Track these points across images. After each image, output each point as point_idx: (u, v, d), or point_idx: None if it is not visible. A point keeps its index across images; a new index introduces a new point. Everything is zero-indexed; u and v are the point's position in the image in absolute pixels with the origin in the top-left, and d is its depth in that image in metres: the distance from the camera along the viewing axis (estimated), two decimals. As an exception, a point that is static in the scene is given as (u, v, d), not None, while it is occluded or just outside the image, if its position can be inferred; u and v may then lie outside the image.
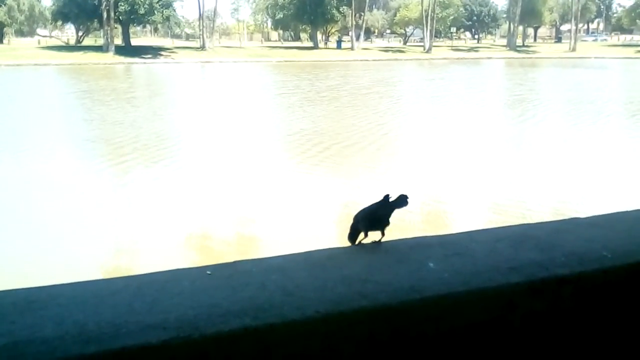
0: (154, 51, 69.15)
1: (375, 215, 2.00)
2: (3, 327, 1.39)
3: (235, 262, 1.85)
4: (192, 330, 1.40)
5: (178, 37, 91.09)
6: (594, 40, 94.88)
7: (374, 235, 1.99)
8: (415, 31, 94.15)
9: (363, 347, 1.56)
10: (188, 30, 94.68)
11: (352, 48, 77.28)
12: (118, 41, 70.74)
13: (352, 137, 19.60)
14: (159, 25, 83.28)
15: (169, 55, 68.10)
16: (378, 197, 2.03)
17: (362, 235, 1.99)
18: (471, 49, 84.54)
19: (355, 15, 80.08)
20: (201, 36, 74.45)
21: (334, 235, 9.76)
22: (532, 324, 1.74)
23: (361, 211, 2.03)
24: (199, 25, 77.03)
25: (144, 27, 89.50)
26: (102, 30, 70.74)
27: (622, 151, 17.71)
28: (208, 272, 1.74)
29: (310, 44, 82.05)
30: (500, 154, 17.49)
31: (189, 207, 11.60)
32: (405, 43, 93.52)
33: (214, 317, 1.45)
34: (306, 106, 28.08)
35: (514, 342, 1.72)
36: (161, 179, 14.00)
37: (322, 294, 1.58)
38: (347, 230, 2.01)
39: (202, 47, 72.50)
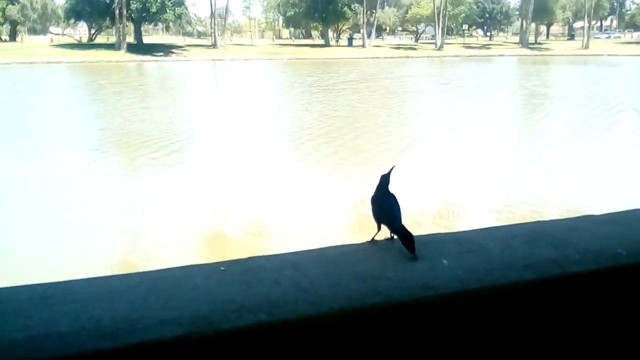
0: (166, 49, 69.39)
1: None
2: (20, 321, 1.40)
3: (248, 258, 1.86)
4: (207, 325, 1.40)
5: (190, 34, 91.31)
6: (607, 38, 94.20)
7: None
8: (427, 28, 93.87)
9: (377, 343, 1.56)
10: (200, 28, 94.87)
11: (363, 45, 77.14)
12: (130, 39, 71.00)
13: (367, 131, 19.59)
14: (170, 23, 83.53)
15: (181, 53, 68.29)
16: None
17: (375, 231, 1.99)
18: (483, 46, 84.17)
19: (366, 13, 79.93)
20: (213, 34, 74.57)
21: (346, 230, 9.78)
22: (546, 322, 1.73)
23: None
24: (211, 23, 77.16)
25: (156, 25, 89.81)
26: (114, 28, 71.09)
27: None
28: (222, 268, 1.74)
29: (322, 42, 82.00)
30: (517, 150, 17.43)
31: (204, 203, 11.64)
32: (416, 40, 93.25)
33: (228, 312, 1.45)
34: (316, 102, 28.09)
35: (528, 339, 1.72)
36: (176, 176, 14.06)
37: (336, 290, 1.58)
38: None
39: (214, 45, 72.64)
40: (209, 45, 73.91)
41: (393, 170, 2.05)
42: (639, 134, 20.81)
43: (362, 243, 2.01)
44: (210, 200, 11.86)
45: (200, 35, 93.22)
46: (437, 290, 1.61)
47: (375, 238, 1.98)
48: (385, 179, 2.03)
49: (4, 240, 9.24)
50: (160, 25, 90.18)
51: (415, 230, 2.00)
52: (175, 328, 1.38)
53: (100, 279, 1.70)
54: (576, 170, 14.54)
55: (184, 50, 70.67)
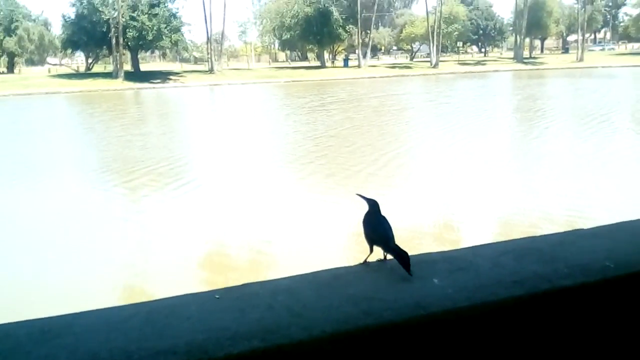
0: (163, 76, 69.79)
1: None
2: (18, 357, 1.43)
3: (243, 285, 1.89)
4: (202, 354, 1.43)
5: (186, 61, 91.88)
6: (601, 50, 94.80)
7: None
8: (421, 47, 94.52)
9: (370, 365, 1.58)
10: (196, 54, 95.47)
11: (359, 66, 77.61)
12: (127, 67, 71.47)
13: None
14: (167, 50, 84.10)
15: (178, 80, 68.68)
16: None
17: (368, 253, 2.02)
18: (478, 63, 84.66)
19: (361, 33, 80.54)
20: (209, 59, 75.02)
21: (342, 251, 9.79)
22: (535, 337, 1.76)
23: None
24: (207, 49, 77.67)
25: (153, 52, 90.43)
26: (111, 57, 71.54)
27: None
28: (216, 296, 1.77)
29: (318, 63, 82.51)
30: (514, 165, 17.47)
31: (203, 226, 11.67)
32: (412, 59, 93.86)
33: (223, 340, 1.48)
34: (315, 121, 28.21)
35: (518, 355, 1.74)
36: (178, 200, 14.10)
37: (329, 313, 1.61)
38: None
39: (211, 71, 73.06)
40: (206, 71, 74.34)
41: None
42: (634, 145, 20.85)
43: (355, 265, 2.04)
44: (210, 223, 11.89)
45: (197, 61, 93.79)
46: (427, 309, 1.64)
47: (368, 260, 2.01)
48: (376, 203, 2.07)
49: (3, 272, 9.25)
50: (157, 52, 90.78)
51: (410, 251, 2.03)
52: (170, 358, 1.41)
53: (97, 311, 1.73)
54: (569, 182, 14.57)
55: (181, 76, 71.07)
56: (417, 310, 1.64)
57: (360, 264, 2.01)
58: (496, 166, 17.23)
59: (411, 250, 2.08)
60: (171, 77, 70.18)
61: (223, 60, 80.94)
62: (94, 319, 1.67)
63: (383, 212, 2.06)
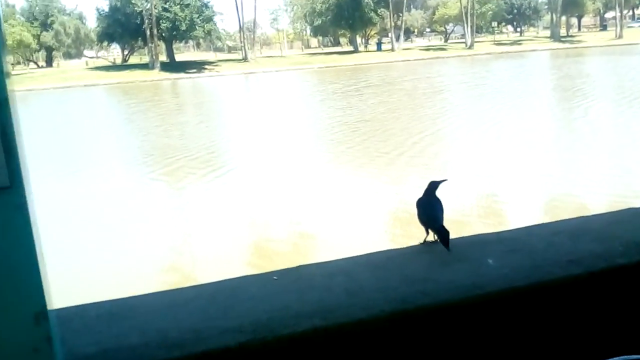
0: (198, 65, 70.29)
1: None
2: (91, 337, 1.50)
3: (299, 267, 1.93)
4: (267, 332, 1.48)
5: (220, 50, 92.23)
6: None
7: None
8: (455, 28, 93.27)
9: (428, 343, 1.61)
10: (230, 43, 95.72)
11: (392, 49, 76.97)
12: (162, 58, 72.15)
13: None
14: (201, 40, 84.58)
15: (213, 69, 69.07)
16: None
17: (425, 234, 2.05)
18: (514, 42, 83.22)
19: (393, 16, 79.82)
20: (243, 48, 75.25)
21: (385, 236, 9.79)
22: (593, 315, 1.76)
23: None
24: (240, 37, 77.87)
25: (187, 42, 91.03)
26: (146, 48, 72.34)
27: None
28: (274, 278, 1.82)
29: (350, 48, 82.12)
30: (557, 145, 17.17)
31: (247, 213, 11.79)
32: (446, 40, 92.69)
33: (286, 319, 1.53)
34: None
35: (576, 333, 1.75)
36: (224, 187, 14.29)
37: (386, 293, 1.64)
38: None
39: (245, 59, 73.28)
40: (240, 59, 74.57)
41: (445, 181, 2.12)
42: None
43: (407, 247, 2.07)
44: (252, 210, 12.00)
45: (230, 49, 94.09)
46: (484, 289, 1.66)
47: (427, 239, 2.04)
48: (433, 184, 2.10)
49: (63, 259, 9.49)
50: (191, 42, 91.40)
51: (458, 232, 2.05)
52: (237, 336, 1.46)
53: (161, 293, 1.79)
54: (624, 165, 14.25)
55: (216, 65, 71.45)
56: (473, 290, 1.66)
57: (419, 244, 2.04)
58: (538, 147, 16.96)
59: (461, 232, 2.10)
60: (206, 66, 70.64)
61: (256, 48, 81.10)
62: (158, 300, 1.73)
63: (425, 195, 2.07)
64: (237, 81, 57.11)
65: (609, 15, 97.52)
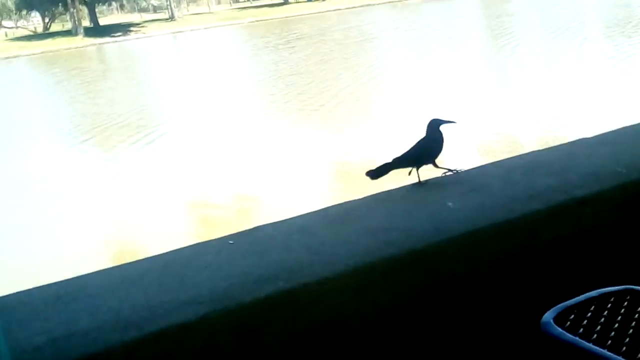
0: (124, 28, 67.81)
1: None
2: (38, 324, 1.37)
3: (255, 228, 1.84)
4: (228, 300, 1.39)
5: (145, 10, 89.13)
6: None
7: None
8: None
9: (397, 295, 1.56)
10: (155, 2, 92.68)
11: (322, -1, 76.08)
12: (86, 23, 69.31)
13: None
14: (124, 2, 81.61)
15: (139, 31, 66.76)
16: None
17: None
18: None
19: (321, -35, 78.58)
20: (169, 7, 72.99)
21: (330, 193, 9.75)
22: (557, 250, 1.74)
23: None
24: (165, -4, 75.46)
25: (110, 5, 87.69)
26: (68, 14, 69.34)
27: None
28: (230, 242, 1.73)
29: (280, 0, 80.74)
30: (485, 86, 17.38)
31: (184, 178, 11.52)
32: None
33: (248, 284, 1.44)
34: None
35: (541, 270, 1.72)
36: (157, 153, 13.91)
37: (349, 248, 1.58)
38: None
39: (171, 18, 71.05)
40: (167, 19, 72.34)
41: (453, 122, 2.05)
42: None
43: (365, 197, 2.00)
44: (189, 175, 11.73)
45: (156, 9, 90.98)
46: (448, 234, 1.61)
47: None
48: (435, 122, 2.02)
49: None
50: (114, 4, 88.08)
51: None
52: (196, 308, 1.36)
53: (111, 269, 1.68)
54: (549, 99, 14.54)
55: (142, 27, 69.07)
56: (437, 235, 1.61)
57: (416, 183, 1.97)
58: (469, 88, 17.12)
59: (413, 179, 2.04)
60: (132, 28, 68.20)
61: (182, 5, 78.76)
62: (108, 278, 1.61)
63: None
64: (165, 42, 55.45)
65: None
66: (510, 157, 2.13)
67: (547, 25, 29.78)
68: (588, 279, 1.75)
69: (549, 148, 2.27)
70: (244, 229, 1.85)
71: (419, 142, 2.01)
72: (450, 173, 1.97)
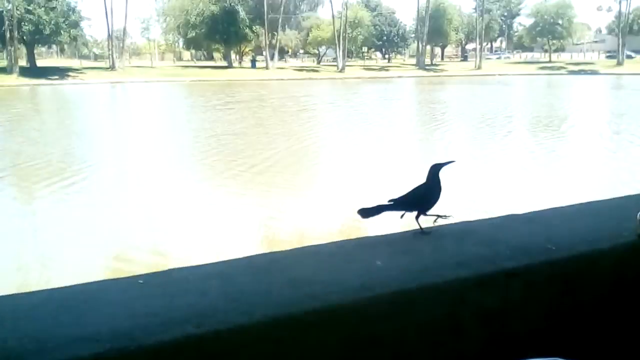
0: (61, 72, 66.74)
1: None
2: None
3: (169, 270, 1.71)
4: (129, 341, 1.26)
5: (86, 57, 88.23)
6: (497, 59, 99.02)
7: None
8: (328, 51, 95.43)
9: (315, 350, 1.46)
10: (97, 51, 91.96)
11: (266, 67, 77.37)
12: (23, 62, 67.84)
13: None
14: (65, 46, 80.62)
15: (77, 76, 65.86)
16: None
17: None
18: (382, 68, 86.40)
19: (268, 35, 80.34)
20: (110, 56, 72.47)
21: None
22: (482, 319, 1.70)
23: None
24: (108, 45, 74.94)
25: (50, 47, 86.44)
26: (5, 52, 67.75)
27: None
28: (140, 281, 1.60)
29: (224, 64, 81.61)
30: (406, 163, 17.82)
31: (100, 227, 11.10)
32: (319, 62, 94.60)
33: (152, 326, 1.32)
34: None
35: (466, 338, 1.67)
36: (75, 198, 13.39)
37: (269, 298, 1.48)
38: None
39: (112, 67, 70.56)
40: (107, 68, 71.78)
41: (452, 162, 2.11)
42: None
43: (290, 249, 1.92)
44: (106, 222, 11.33)
45: (97, 57, 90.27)
46: (375, 291, 1.54)
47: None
48: (436, 167, 2.05)
49: None
50: (54, 47, 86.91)
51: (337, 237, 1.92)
52: (92, 345, 1.22)
53: (2, 298, 1.51)
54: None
55: (81, 72, 68.20)
56: (363, 292, 1.54)
57: (414, 230, 1.99)
58: (386, 165, 17.53)
59: (338, 237, 1.98)
60: (70, 73, 67.20)
61: (125, 57, 78.44)
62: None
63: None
64: (102, 90, 54.83)
65: (469, 46, 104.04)
66: (441, 225, 2.10)
67: (477, 116, 31.25)
68: (513, 350, 1.71)
69: (478, 219, 2.26)
70: (157, 271, 1.72)
71: (418, 187, 2.02)
72: (440, 219, 2.02)
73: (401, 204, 1.99)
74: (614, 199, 2.59)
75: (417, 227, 2.00)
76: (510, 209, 2.47)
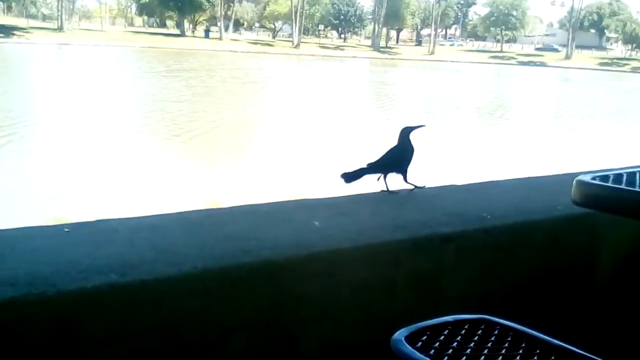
0: (6, 30, 64.17)
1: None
2: None
3: (97, 221, 1.66)
4: (48, 286, 1.20)
5: (34, 17, 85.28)
6: (451, 45, 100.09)
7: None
8: (284, 26, 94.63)
9: (245, 308, 1.43)
10: (45, 11, 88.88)
11: (220, 38, 76.20)
12: (-37, 18, 65.09)
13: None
14: (13, 4, 77.63)
15: (23, 35, 63.55)
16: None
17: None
18: (337, 47, 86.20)
19: (224, 6, 79.04)
20: (59, 17, 70.13)
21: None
22: (415, 281, 1.71)
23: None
24: (58, 6, 72.51)
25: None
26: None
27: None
28: (66, 230, 1.54)
29: (177, 32, 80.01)
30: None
31: (36, 188, 10.80)
32: (274, 37, 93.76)
33: (74, 273, 1.27)
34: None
35: (400, 299, 1.67)
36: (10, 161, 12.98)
37: (201, 251, 1.44)
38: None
39: (60, 29, 68.29)
40: (55, 29, 69.46)
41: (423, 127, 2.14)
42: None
43: (228, 207, 1.89)
44: (43, 187, 11.03)
45: (45, 18, 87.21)
46: (310, 249, 1.52)
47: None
48: (406, 130, 2.08)
49: None
50: (1, 4, 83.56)
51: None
52: (7, 289, 1.17)
53: None
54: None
55: (27, 32, 65.82)
56: (298, 249, 1.52)
57: (383, 191, 2.03)
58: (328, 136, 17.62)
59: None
60: (15, 32, 64.72)
61: (74, 19, 76.08)
62: None
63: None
64: (48, 51, 53.10)
65: (425, 32, 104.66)
66: (381, 191, 2.09)
67: (426, 97, 31.69)
68: (442, 312, 1.72)
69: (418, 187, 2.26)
70: (85, 220, 1.66)
71: (390, 149, 2.05)
72: (416, 189, 2.06)
73: (379, 166, 2.03)
74: (550, 175, 2.64)
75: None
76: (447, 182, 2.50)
